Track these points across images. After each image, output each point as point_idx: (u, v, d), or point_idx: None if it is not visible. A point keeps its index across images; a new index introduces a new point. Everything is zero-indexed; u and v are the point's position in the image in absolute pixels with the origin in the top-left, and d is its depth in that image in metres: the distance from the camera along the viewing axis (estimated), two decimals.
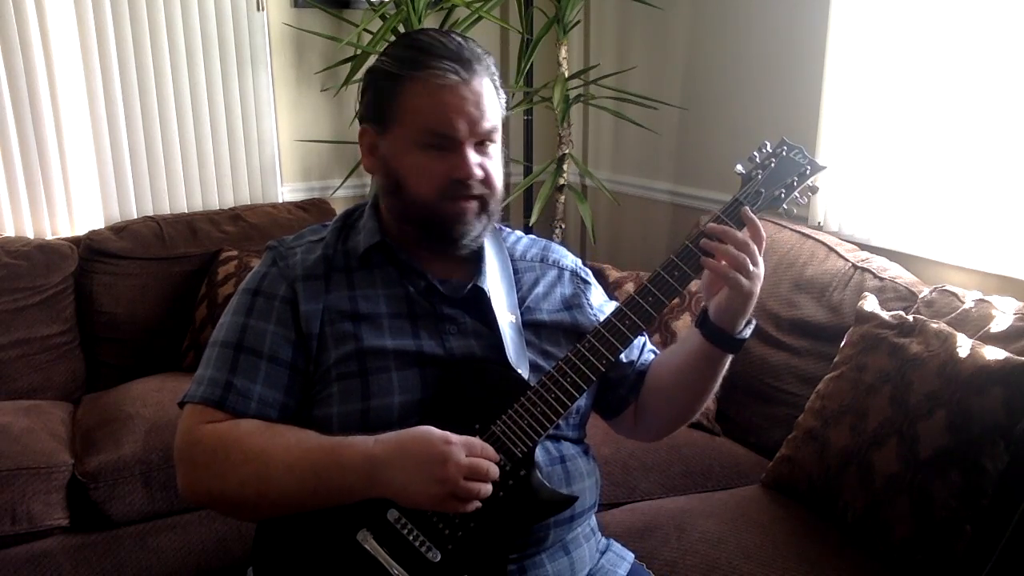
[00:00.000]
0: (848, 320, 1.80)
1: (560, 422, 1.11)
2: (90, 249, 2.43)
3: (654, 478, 1.92)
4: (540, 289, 1.28)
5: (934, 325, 1.57)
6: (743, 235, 1.11)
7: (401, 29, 2.57)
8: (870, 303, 1.74)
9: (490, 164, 1.17)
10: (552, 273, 1.32)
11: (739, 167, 1.19)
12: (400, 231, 1.21)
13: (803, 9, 2.27)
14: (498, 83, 1.20)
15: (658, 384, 1.28)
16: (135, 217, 2.61)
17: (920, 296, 1.82)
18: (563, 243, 2.24)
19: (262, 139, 2.79)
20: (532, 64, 2.89)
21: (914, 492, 1.44)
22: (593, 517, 1.28)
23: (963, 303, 1.72)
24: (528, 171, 3.01)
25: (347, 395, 1.13)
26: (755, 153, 1.19)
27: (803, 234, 2.15)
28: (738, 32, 2.50)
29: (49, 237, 2.52)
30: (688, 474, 1.94)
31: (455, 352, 1.17)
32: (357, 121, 1.27)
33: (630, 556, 1.33)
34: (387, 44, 1.28)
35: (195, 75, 2.64)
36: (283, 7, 2.77)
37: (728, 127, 2.57)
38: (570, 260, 1.35)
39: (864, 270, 1.96)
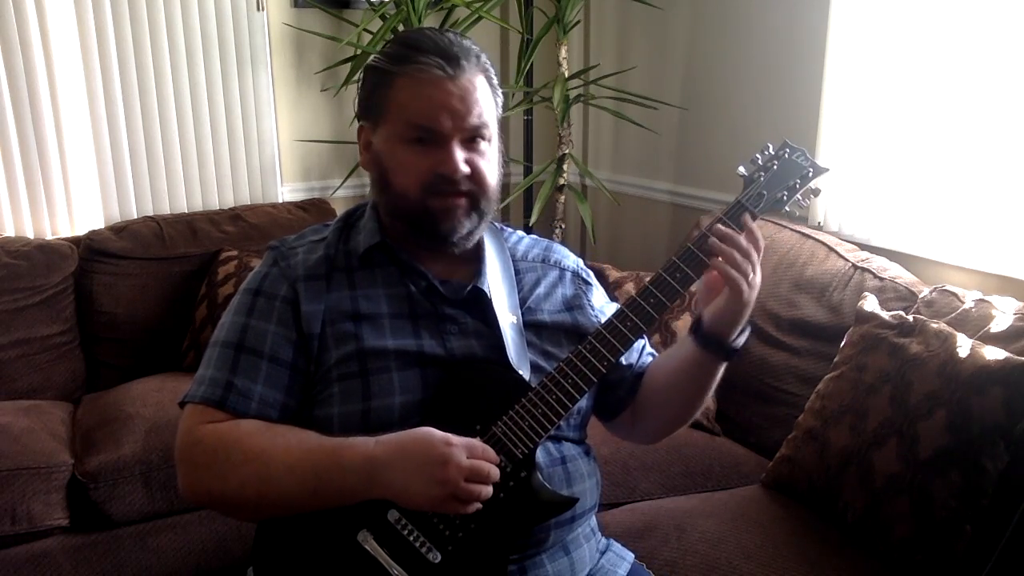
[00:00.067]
0: (848, 320, 1.80)
1: (561, 423, 1.11)
2: (90, 249, 2.43)
3: (654, 478, 1.92)
4: (541, 290, 1.28)
5: (934, 325, 1.57)
6: (746, 242, 1.11)
7: (401, 29, 2.57)
8: (870, 303, 1.74)
9: (480, 161, 1.17)
10: (553, 274, 1.31)
11: (741, 169, 1.18)
12: (394, 229, 1.22)
13: (803, 9, 2.27)
14: (494, 81, 1.20)
15: (653, 388, 1.28)
16: (135, 217, 2.61)
17: (920, 296, 1.82)
18: (563, 243, 2.24)
19: (262, 139, 2.79)
20: (532, 64, 2.89)
21: (914, 492, 1.44)
22: (593, 517, 1.28)
23: (963, 303, 1.72)
24: (528, 171, 3.01)
25: (348, 395, 1.12)
26: (757, 155, 1.19)
27: (803, 234, 2.15)
28: (738, 32, 2.50)
29: (49, 237, 2.52)
30: (688, 474, 1.94)
31: (456, 352, 1.17)
32: (356, 120, 1.27)
33: (630, 556, 1.33)
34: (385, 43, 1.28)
35: (195, 75, 2.64)
36: (283, 7, 2.77)
37: (728, 127, 2.57)
38: (571, 261, 1.35)
39: (864, 270, 1.96)
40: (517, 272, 1.28)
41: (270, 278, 1.20)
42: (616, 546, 1.34)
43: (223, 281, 2.41)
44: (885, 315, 1.67)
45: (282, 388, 1.14)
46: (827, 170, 1.19)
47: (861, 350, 1.65)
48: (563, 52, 2.78)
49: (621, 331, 1.12)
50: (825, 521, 1.59)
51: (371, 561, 1.06)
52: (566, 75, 2.77)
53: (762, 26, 2.41)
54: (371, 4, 2.69)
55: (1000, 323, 1.60)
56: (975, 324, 1.64)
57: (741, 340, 1.17)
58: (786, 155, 1.18)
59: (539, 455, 1.13)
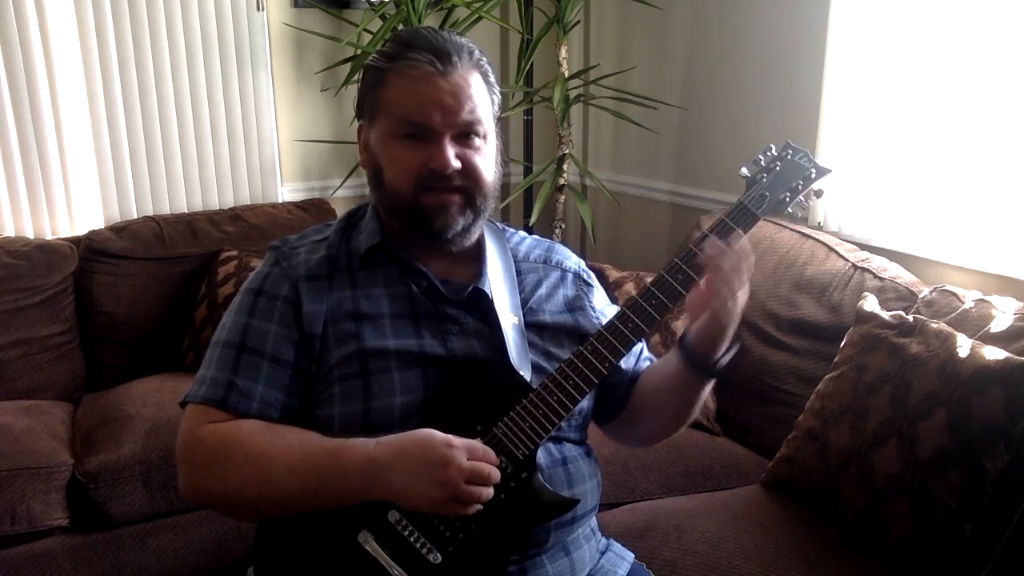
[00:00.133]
0: (848, 320, 1.80)
1: (562, 424, 1.11)
2: (90, 249, 2.43)
3: (654, 478, 1.92)
4: (543, 291, 1.28)
5: (934, 325, 1.58)
6: (735, 258, 1.09)
7: (400, 29, 2.57)
8: (870, 303, 1.74)
9: (474, 157, 1.16)
10: (555, 275, 1.31)
11: (744, 170, 1.18)
12: (393, 227, 1.22)
13: (803, 9, 2.27)
14: (491, 79, 1.20)
15: (643, 397, 1.29)
16: (135, 217, 2.61)
17: (920, 296, 1.82)
18: (563, 243, 2.24)
19: (262, 139, 2.79)
20: (532, 64, 2.89)
21: (914, 492, 1.44)
22: (594, 517, 1.28)
23: (963, 303, 1.72)
24: (528, 171, 3.01)
25: (349, 396, 1.12)
26: (760, 156, 1.19)
27: (803, 234, 2.15)
28: (738, 32, 2.50)
29: (49, 237, 2.52)
30: (688, 474, 1.94)
31: (457, 353, 1.17)
32: (356, 120, 1.27)
33: (630, 556, 1.33)
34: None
35: (195, 75, 2.64)
36: (283, 7, 2.77)
37: (728, 127, 2.57)
38: (573, 262, 1.35)
39: (864, 270, 1.96)
40: (519, 273, 1.28)
41: (272, 278, 1.20)
42: (616, 546, 1.34)
43: (223, 281, 2.41)
44: (885, 315, 1.67)
45: (283, 388, 1.14)
46: (830, 171, 1.19)
47: (861, 350, 1.65)
48: (563, 52, 2.78)
49: (623, 332, 1.11)
50: (825, 521, 1.59)
51: (371, 562, 1.06)
52: (566, 75, 2.77)
53: (762, 26, 2.41)
54: (371, 4, 2.69)
55: (1000, 323, 1.60)
56: (975, 324, 1.64)
57: (726, 359, 1.16)
58: (789, 156, 1.18)
59: (540, 456, 1.13)
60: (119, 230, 2.49)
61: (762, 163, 1.18)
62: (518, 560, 1.13)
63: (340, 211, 2.73)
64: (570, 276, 1.32)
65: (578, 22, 2.88)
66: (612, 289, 2.30)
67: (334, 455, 1.06)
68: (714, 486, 1.90)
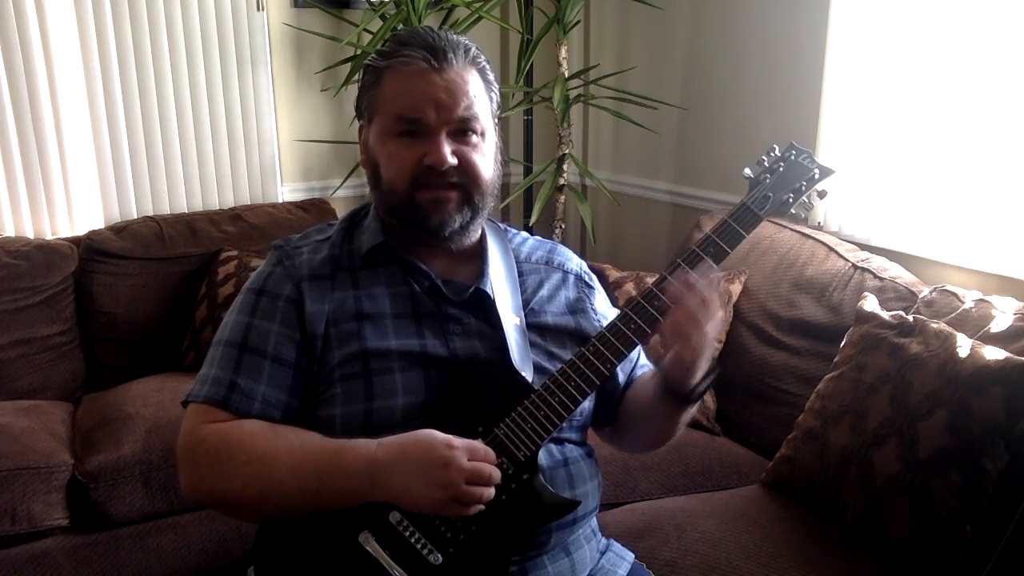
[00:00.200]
0: (848, 320, 1.80)
1: (564, 425, 1.11)
2: (90, 249, 2.43)
3: (654, 478, 1.92)
4: (545, 292, 1.28)
5: (934, 325, 1.58)
6: (700, 294, 1.06)
7: (400, 28, 2.57)
8: (870, 303, 1.74)
9: (471, 153, 1.16)
10: (557, 276, 1.31)
11: (747, 171, 1.18)
12: (392, 227, 1.21)
13: (803, 9, 2.27)
14: (489, 77, 1.20)
15: (630, 411, 1.29)
16: (135, 217, 2.61)
17: (920, 296, 1.82)
18: (563, 243, 2.24)
19: (262, 139, 2.79)
20: (532, 64, 2.89)
21: (914, 492, 1.44)
22: (594, 518, 1.28)
23: (963, 303, 1.72)
24: (528, 171, 3.01)
25: (350, 396, 1.12)
26: (763, 157, 1.18)
27: (803, 234, 2.16)
28: (738, 32, 2.50)
29: (49, 237, 2.52)
30: (688, 474, 1.94)
31: (459, 353, 1.17)
32: (356, 120, 1.27)
33: (630, 556, 1.33)
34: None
35: (195, 75, 2.64)
36: (283, 7, 2.77)
37: (728, 127, 2.57)
38: (575, 264, 1.35)
39: (864, 270, 1.96)
40: (521, 274, 1.28)
41: (274, 278, 1.19)
42: (616, 546, 1.34)
43: (223, 281, 2.41)
44: (885, 315, 1.67)
45: (285, 388, 1.14)
46: (833, 172, 1.18)
47: (861, 350, 1.65)
48: (563, 52, 2.78)
49: (625, 334, 1.11)
50: (825, 521, 1.59)
51: (372, 562, 1.06)
52: (566, 75, 2.77)
53: (762, 26, 2.41)
54: (371, 4, 2.69)
55: (1000, 323, 1.60)
56: (975, 324, 1.64)
57: (704, 386, 1.14)
58: (792, 157, 1.18)
59: (542, 457, 1.13)
60: (119, 230, 2.49)
61: (765, 164, 1.18)
62: (519, 561, 1.13)
63: (340, 211, 2.74)
64: (572, 278, 1.32)
65: (578, 22, 2.88)
66: (612, 289, 2.29)
67: (336, 456, 1.06)
68: (714, 486, 1.90)
